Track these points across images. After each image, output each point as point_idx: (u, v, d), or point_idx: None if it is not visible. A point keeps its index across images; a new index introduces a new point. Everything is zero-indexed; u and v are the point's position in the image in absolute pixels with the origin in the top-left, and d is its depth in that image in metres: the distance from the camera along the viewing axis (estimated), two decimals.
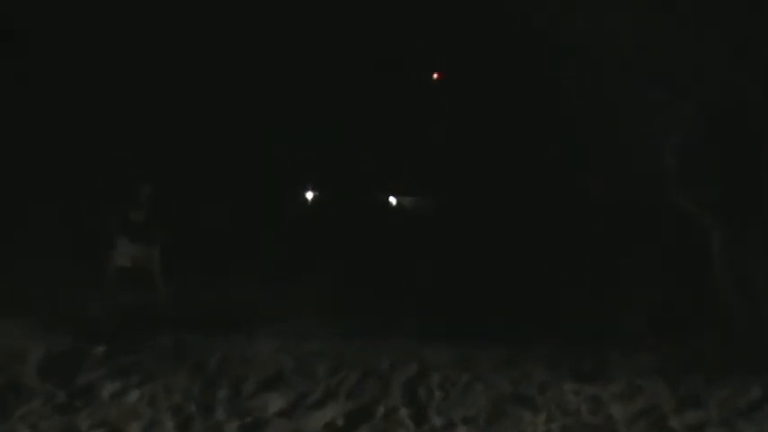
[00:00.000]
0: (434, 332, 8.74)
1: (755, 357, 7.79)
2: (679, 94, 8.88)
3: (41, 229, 10.93)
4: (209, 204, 12.11)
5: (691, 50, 8.66)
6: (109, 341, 7.96)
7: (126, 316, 8.99)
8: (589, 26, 8.97)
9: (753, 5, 8.45)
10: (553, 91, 10.16)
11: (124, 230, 9.40)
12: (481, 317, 9.16)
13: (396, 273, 10.97)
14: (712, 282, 9.11)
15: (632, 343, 8.46)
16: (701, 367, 7.68)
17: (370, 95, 12.36)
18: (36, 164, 11.55)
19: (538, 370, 7.59)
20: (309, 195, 13.92)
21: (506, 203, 11.87)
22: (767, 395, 6.87)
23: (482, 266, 10.77)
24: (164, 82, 11.75)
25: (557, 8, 9.04)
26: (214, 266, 10.76)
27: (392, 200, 14.25)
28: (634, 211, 10.40)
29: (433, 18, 11.56)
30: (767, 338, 8.26)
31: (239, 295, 10.08)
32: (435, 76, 13.41)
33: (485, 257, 11.02)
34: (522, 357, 8.00)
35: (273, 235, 12.12)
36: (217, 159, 12.29)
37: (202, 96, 11.89)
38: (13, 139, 11.46)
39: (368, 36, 11.96)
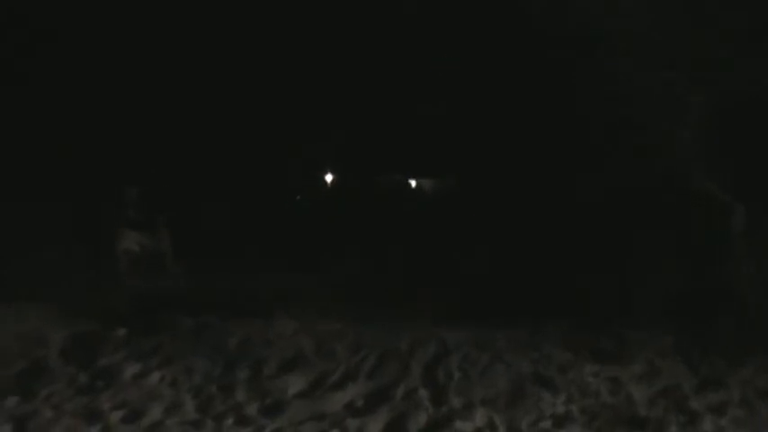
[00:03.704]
0: (453, 314, 8.73)
1: None
2: (695, 81, 8.84)
3: (54, 221, 10.99)
4: (225, 190, 12.12)
5: (706, 37, 8.60)
6: (129, 324, 8.02)
7: (145, 299, 9.05)
8: (604, 13, 8.93)
9: None
10: (566, 90, 10.12)
11: (127, 220, 9.53)
12: (500, 299, 9.14)
13: (413, 255, 10.96)
14: (732, 264, 9.06)
15: (652, 325, 8.43)
16: (721, 349, 7.64)
17: (386, 77, 12.30)
18: (45, 153, 11.59)
19: (557, 351, 7.58)
20: (328, 178, 13.91)
21: (524, 185, 11.81)
22: None
23: (500, 248, 10.73)
24: (170, 63, 11.72)
25: (571, 5, 9.03)
26: (231, 251, 10.78)
27: (411, 182, 14.22)
28: (655, 194, 10.33)
29: (445, 15, 11.51)
30: None
31: (258, 279, 10.09)
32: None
33: (503, 239, 10.98)
34: (541, 339, 7.99)
35: (291, 218, 12.12)
36: (231, 144, 12.28)
37: (212, 78, 11.85)
38: (24, 132, 11.53)
39: (379, 22, 11.90)
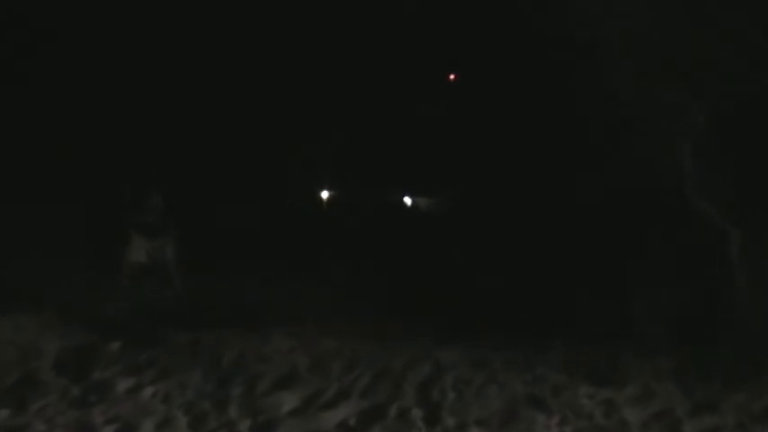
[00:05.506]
0: (448, 333, 8.72)
1: None
2: (693, 94, 8.86)
3: (55, 225, 10.99)
4: (224, 203, 12.14)
5: (705, 49, 8.63)
6: (124, 337, 7.99)
7: (141, 312, 9.02)
8: (604, 24, 8.97)
9: None
10: (567, 90, 10.16)
11: (137, 229, 9.52)
12: (495, 318, 9.13)
13: (409, 273, 10.96)
14: (729, 284, 9.06)
15: (647, 346, 8.42)
16: (715, 371, 7.62)
17: (384, 95, 12.36)
18: (49, 162, 11.60)
19: (552, 372, 7.56)
20: (325, 195, 13.92)
21: (520, 204, 11.85)
22: None
23: (496, 267, 10.73)
24: (177, 80, 11.77)
25: (570, 5, 9.06)
26: (228, 265, 10.77)
27: (407, 200, 14.25)
28: (650, 213, 10.37)
29: (446, 16, 11.56)
30: None
31: (254, 294, 10.08)
32: (451, 77, 13.40)
33: (499, 258, 10.99)
34: (536, 359, 7.98)
35: (288, 234, 12.13)
36: (231, 159, 12.31)
37: (216, 95, 11.91)
38: (27, 139, 11.55)
39: (381, 34, 11.96)
